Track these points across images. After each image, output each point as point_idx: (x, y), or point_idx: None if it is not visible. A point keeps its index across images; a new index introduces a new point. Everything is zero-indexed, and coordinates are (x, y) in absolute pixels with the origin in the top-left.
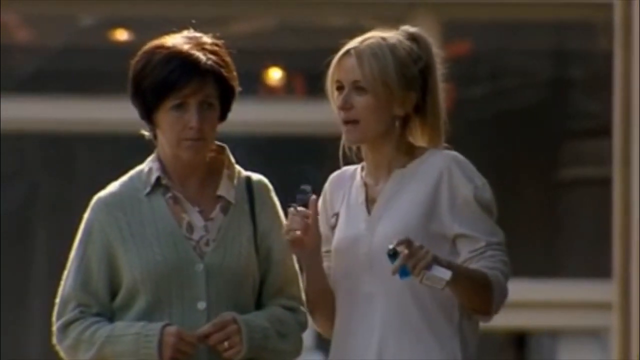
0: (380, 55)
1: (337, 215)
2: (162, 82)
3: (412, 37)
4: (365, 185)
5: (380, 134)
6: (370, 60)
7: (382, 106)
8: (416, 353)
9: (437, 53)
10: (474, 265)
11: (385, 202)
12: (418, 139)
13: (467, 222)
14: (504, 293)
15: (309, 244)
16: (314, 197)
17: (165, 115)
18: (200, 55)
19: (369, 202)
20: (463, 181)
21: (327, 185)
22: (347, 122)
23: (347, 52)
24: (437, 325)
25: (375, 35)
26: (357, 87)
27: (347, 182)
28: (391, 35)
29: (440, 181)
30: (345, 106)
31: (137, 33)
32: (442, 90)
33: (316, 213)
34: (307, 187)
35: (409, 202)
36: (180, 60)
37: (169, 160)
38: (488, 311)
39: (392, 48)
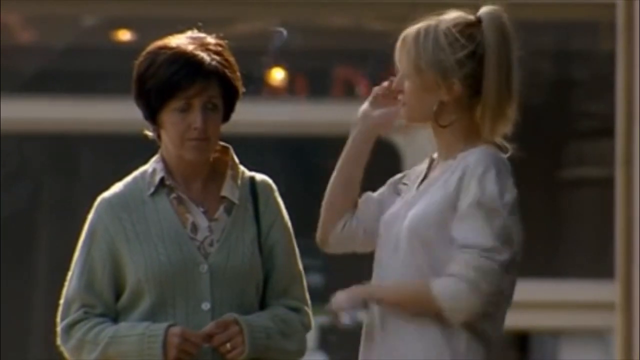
0: (421, 41)
1: (406, 185)
2: (167, 83)
3: (475, 22)
4: (431, 164)
5: (425, 117)
6: (410, 46)
7: (421, 91)
8: (419, 346)
9: (499, 39)
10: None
11: (425, 189)
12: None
13: (459, 223)
14: (460, 298)
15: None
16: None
17: (170, 116)
18: (204, 55)
19: (424, 182)
20: (474, 184)
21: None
22: (402, 102)
23: (402, 36)
24: (445, 325)
25: (437, 18)
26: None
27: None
28: (454, 17)
29: (462, 180)
30: (397, 88)
31: (139, 33)
32: (503, 77)
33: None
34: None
35: (436, 195)
36: (185, 61)
37: (173, 160)
38: (443, 318)
39: (437, 33)
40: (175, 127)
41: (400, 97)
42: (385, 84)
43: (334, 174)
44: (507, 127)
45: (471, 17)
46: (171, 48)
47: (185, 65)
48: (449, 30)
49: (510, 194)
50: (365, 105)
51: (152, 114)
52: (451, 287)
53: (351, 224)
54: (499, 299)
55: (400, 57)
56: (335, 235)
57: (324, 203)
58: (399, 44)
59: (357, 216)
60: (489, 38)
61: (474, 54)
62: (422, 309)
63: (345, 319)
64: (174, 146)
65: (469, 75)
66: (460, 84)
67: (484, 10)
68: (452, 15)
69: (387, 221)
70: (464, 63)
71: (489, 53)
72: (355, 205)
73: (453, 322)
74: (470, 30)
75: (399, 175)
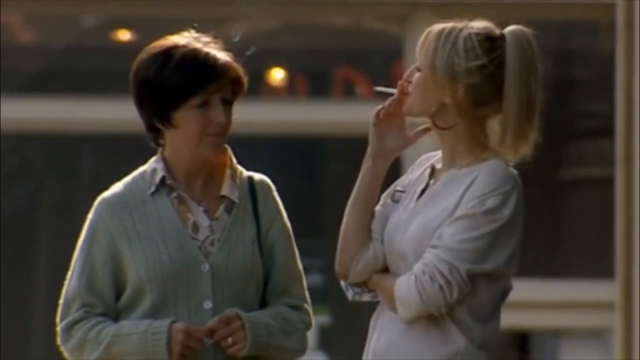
0: (442, 39)
1: (403, 192)
2: (189, 81)
3: (498, 37)
4: (433, 172)
5: (423, 113)
6: (430, 42)
7: (428, 88)
8: (416, 348)
9: (522, 60)
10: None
11: (429, 198)
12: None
13: (443, 227)
14: (406, 293)
15: (392, 120)
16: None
17: (189, 113)
18: (217, 53)
19: (427, 190)
20: (476, 198)
21: (418, 159)
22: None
23: (428, 29)
24: (444, 325)
25: (465, 22)
26: (416, 64)
27: (429, 161)
28: (480, 27)
29: (466, 194)
30: (407, 79)
31: (139, 33)
32: (523, 98)
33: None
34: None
35: (441, 207)
36: (202, 59)
37: (174, 160)
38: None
39: (458, 37)
40: (195, 124)
41: (409, 88)
42: (385, 104)
43: (350, 208)
44: (528, 148)
45: (497, 31)
46: (182, 47)
47: (205, 63)
48: (469, 36)
49: (509, 210)
50: (373, 137)
51: (166, 114)
52: (403, 282)
53: (370, 251)
54: (486, 304)
55: (420, 49)
56: (357, 267)
57: (342, 237)
58: (422, 37)
59: (375, 238)
60: (510, 59)
61: (485, 67)
62: (392, 303)
63: (349, 294)
64: (190, 144)
65: (474, 85)
66: (463, 90)
67: (509, 28)
68: (480, 24)
69: (389, 231)
70: (472, 72)
71: (509, 74)
72: (369, 232)
73: (400, 317)
74: (489, 43)
75: (390, 189)
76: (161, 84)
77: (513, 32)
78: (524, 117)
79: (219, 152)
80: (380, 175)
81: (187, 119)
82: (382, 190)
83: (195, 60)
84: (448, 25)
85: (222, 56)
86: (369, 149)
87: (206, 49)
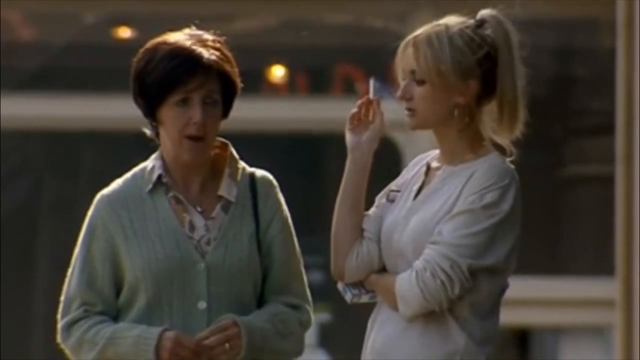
0: (436, 44)
1: (398, 192)
2: (167, 77)
3: (480, 23)
4: (429, 170)
5: (440, 122)
6: (425, 50)
7: (439, 96)
8: (419, 349)
9: (507, 40)
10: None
11: (427, 196)
12: (496, 130)
13: (443, 223)
14: (408, 290)
15: (367, 130)
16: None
17: (169, 111)
18: (203, 50)
19: (423, 188)
20: (475, 193)
21: (412, 161)
22: (407, 109)
23: (408, 42)
24: (444, 323)
25: (441, 23)
26: (416, 77)
27: (422, 161)
28: (458, 21)
29: (465, 189)
30: (405, 96)
31: (140, 30)
32: (516, 76)
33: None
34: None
35: (439, 204)
36: (185, 56)
37: (171, 158)
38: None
39: (451, 37)
40: (174, 122)
41: (408, 104)
42: (356, 109)
43: (339, 207)
44: (520, 129)
45: (474, 20)
46: (170, 44)
47: (186, 59)
48: (462, 31)
49: (508, 204)
50: (349, 136)
51: (152, 110)
52: (404, 279)
53: (364, 249)
54: (486, 300)
55: (417, 62)
56: (351, 266)
57: (333, 237)
58: (409, 50)
59: (369, 237)
60: (498, 40)
61: (489, 55)
62: (393, 302)
63: (347, 297)
64: (172, 144)
65: (487, 74)
66: (477, 83)
67: (485, 12)
68: (456, 18)
69: (386, 230)
70: (482, 63)
71: (501, 55)
72: (361, 231)
73: (402, 314)
74: (480, 31)
75: (384, 190)
76: (145, 79)
77: (491, 15)
78: (517, 94)
79: (200, 158)
80: (363, 172)
81: (168, 117)
82: (377, 191)
83: (177, 57)
84: (429, 31)
85: (208, 54)
86: (348, 149)
87: (193, 47)
